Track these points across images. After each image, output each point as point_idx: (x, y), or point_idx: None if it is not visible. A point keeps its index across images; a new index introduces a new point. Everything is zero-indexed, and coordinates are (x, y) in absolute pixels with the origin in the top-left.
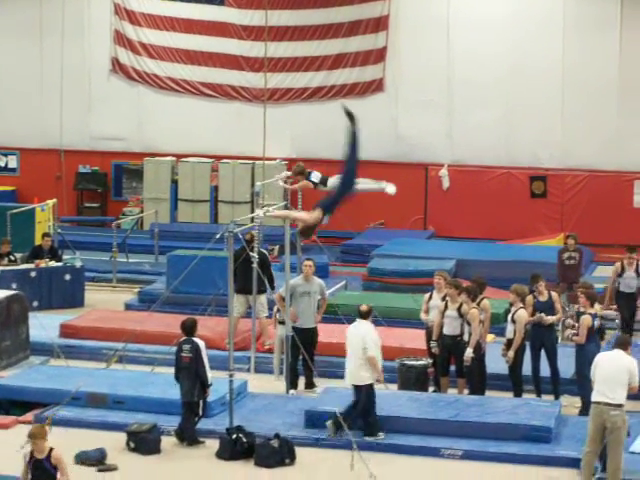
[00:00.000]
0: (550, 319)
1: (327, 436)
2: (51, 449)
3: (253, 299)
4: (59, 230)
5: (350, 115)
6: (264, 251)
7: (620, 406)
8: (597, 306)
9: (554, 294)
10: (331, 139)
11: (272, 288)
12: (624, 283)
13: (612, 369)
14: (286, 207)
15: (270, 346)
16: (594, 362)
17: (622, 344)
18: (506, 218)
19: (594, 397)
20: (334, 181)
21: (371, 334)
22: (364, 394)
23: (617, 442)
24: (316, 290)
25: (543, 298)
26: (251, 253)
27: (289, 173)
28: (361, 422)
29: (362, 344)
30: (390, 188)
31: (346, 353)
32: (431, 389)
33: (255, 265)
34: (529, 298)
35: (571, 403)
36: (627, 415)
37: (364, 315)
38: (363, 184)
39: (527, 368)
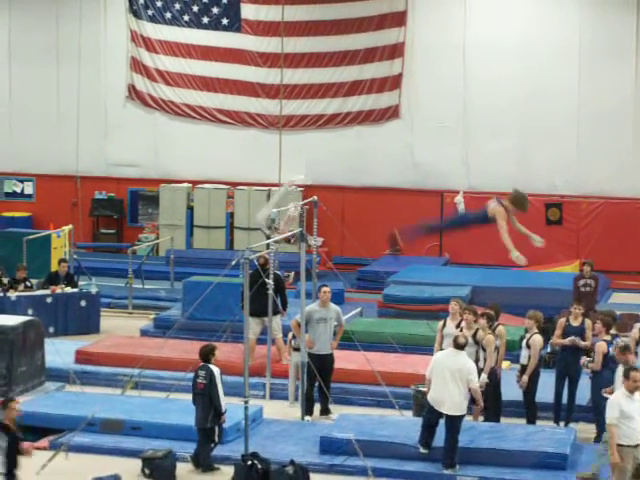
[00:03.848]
0: (583, 344)
1: None
2: None
3: (269, 321)
4: (75, 256)
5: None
6: (278, 273)
7: None
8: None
9: (588, 321)
10: (346, 166)
11: (285, 309)
12: None
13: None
14: (302, 234)
15: (287, 364)
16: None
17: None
18: (521, 245)
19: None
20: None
21: (473, 364)
22: (457, 425)
23: None
24: (332, 316)
25: (576, 323)
26: (267, 280)
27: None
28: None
29: (467, 375)
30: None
31: (434, 380)
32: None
33: (271, 291)
34: (561, 321)
35: (586, 430)
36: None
37: (462, 346)
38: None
39: (540, 395)
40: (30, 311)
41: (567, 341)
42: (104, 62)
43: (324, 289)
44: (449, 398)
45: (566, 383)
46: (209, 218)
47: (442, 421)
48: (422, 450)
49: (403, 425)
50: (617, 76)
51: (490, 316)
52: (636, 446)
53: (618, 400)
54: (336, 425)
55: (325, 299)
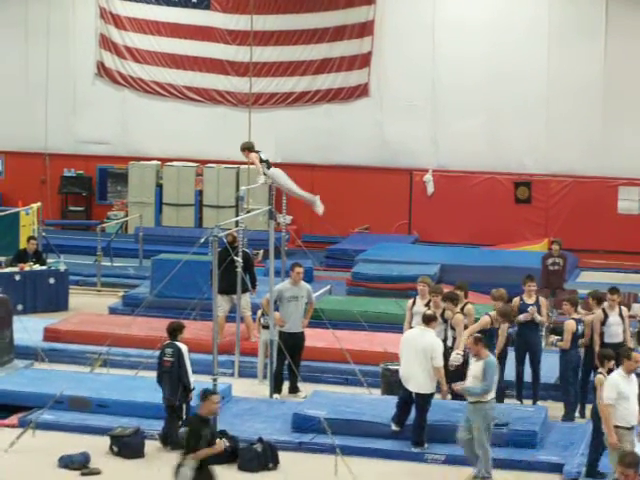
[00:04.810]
0: (539, 318)
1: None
2: None
3: (237, 299)
4: (43, 234)
5: None
6: (247, 251)
7: None
8: (581, 310)
9: (542, 299)
10: (315, 144)
11: (254, 287)
12: (608, 332)
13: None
14: (271, 212)
15: (257, 342)
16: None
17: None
18: (490, 223)
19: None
20: (276, 173)
21: (439, 343)
22: (424, 403)
23: None
24: (304, 295)
25: (530, 301)
26: (235, 257)
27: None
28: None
29: (430, 353)
30: (319, 208)
31: (402, 358)
32: None
33: (239, 269)
34: (515, 300)
35: (554, 408)
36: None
37: (430, 321)
38: (298, 190)
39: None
40: None
41: (523, 317)
42: (73, 39)
43: (297, 269)
44: (415, 376)
45: (528, 362)
46: (178, 196)
47: None
48: (394, 427)
49: (375, 403)
50: (586, 55)
51: (454, 297)
52: (631, 428)
53: (616, 381)
54: (309, 401)
55: (297, 279)
